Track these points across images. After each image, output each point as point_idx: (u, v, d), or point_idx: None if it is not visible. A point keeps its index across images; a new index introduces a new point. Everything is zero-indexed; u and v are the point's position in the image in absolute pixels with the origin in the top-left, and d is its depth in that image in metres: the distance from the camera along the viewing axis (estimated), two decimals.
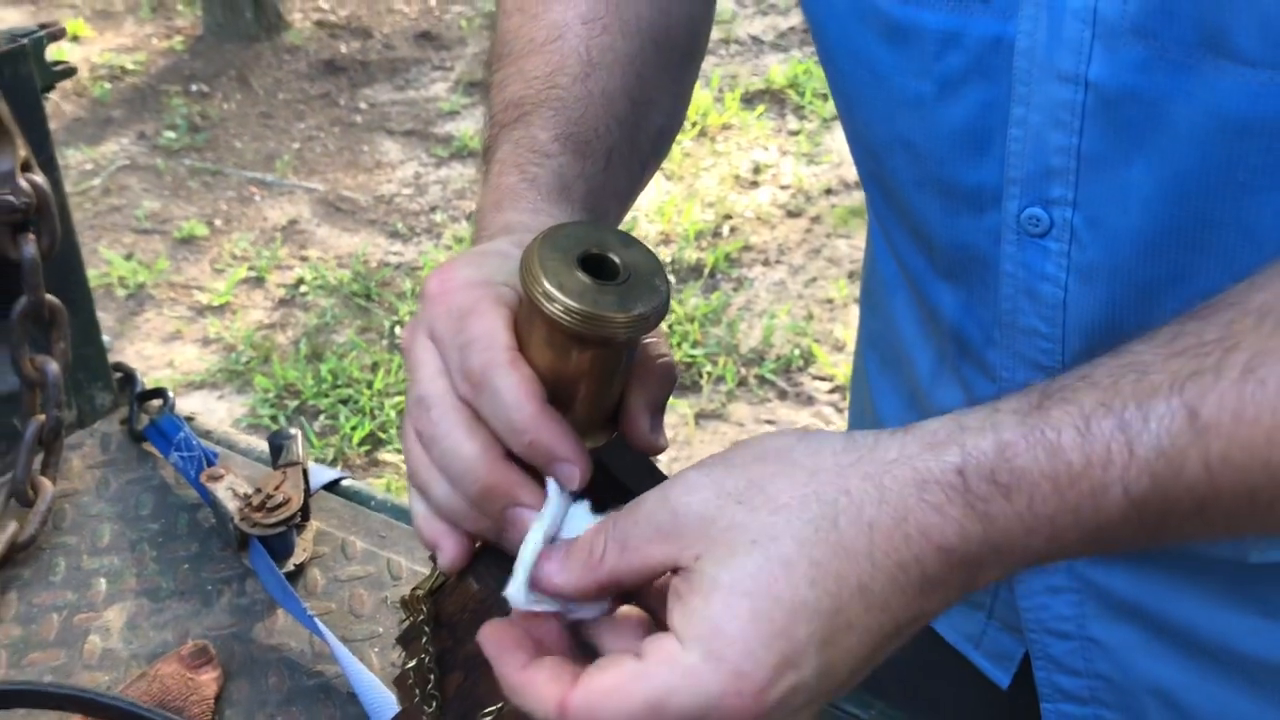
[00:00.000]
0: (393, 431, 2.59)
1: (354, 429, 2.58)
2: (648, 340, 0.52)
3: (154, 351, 2.93)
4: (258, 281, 3.18)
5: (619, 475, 0.57)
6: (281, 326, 3.00)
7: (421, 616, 0.55)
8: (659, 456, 0.54)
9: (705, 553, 0.43)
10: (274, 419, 2.61)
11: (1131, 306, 0.58)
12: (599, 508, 0.53)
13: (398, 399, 2.68)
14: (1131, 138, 0.54)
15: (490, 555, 0.52)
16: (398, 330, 2.95)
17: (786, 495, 0.43)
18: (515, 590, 0.48)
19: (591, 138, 0.65)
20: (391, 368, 2.77)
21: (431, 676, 0.56)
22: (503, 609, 0.51)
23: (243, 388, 2.75)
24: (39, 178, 0.85)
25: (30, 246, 0.85)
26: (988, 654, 0.79)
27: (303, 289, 3.14)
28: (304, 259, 3.29)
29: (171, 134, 3.99)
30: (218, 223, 3.49)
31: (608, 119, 0.66)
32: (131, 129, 4.04)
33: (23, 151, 0.85)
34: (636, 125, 0.69)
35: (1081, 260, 0.58)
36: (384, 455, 2.54)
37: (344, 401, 2.68)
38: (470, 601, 0.53)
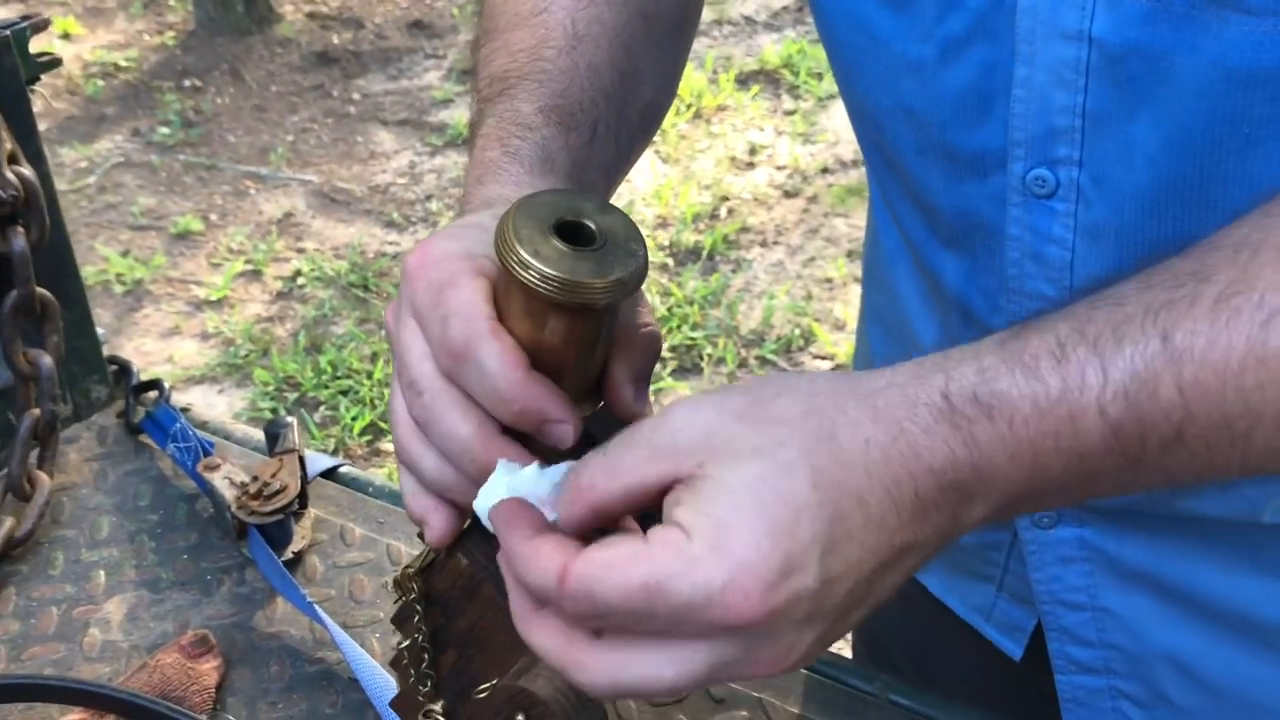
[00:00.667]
0: None
1: (354, 419, 2.58)
2: (630, 309, 0.52)
3: (153, 347, 2.92)
4: (255, 275, 3.18)
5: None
6: (280, 319, 3.00)
7: (413, 595, 0.55)
8: None
9: (708, 460, 0.43)
10: (274, 412, 2.61)
11: (1138, 267, 0.58)
12: None
13: None
14: (1136, 93, 0.53)
15: (479, 531, 0.52)
16: None
17: (787, 412, 0.44)
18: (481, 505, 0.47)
19: (576, 110, 0.64)
20: (391, 358, 2.77)
21: (425, 655, 0.56)
22: (494, 583, 0.51)
23: (242, 381, 2.75)
24: (26, 170, 0.85)
25: (19, 239, 0.85)
26: (999, 626, 0.79)
27: (300, 281, 3.13)
28: (300, 251, 3.29)
29: (165, 130, 3.97)
30: (213, 217, 3.48)
31: (593, 91, 0.66)
32: (125, 126, 4.03)
33: (9, 145, 0.84)
34: (624, 99, 0.68)
35: (1088, 220, 0.58)
36: (385, 445, 2.54)
37: (344, 392, 2.68)
38: (460, 577, 0.53)
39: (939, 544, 0.45)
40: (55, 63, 0.90)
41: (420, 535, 0.53)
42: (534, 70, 0.65)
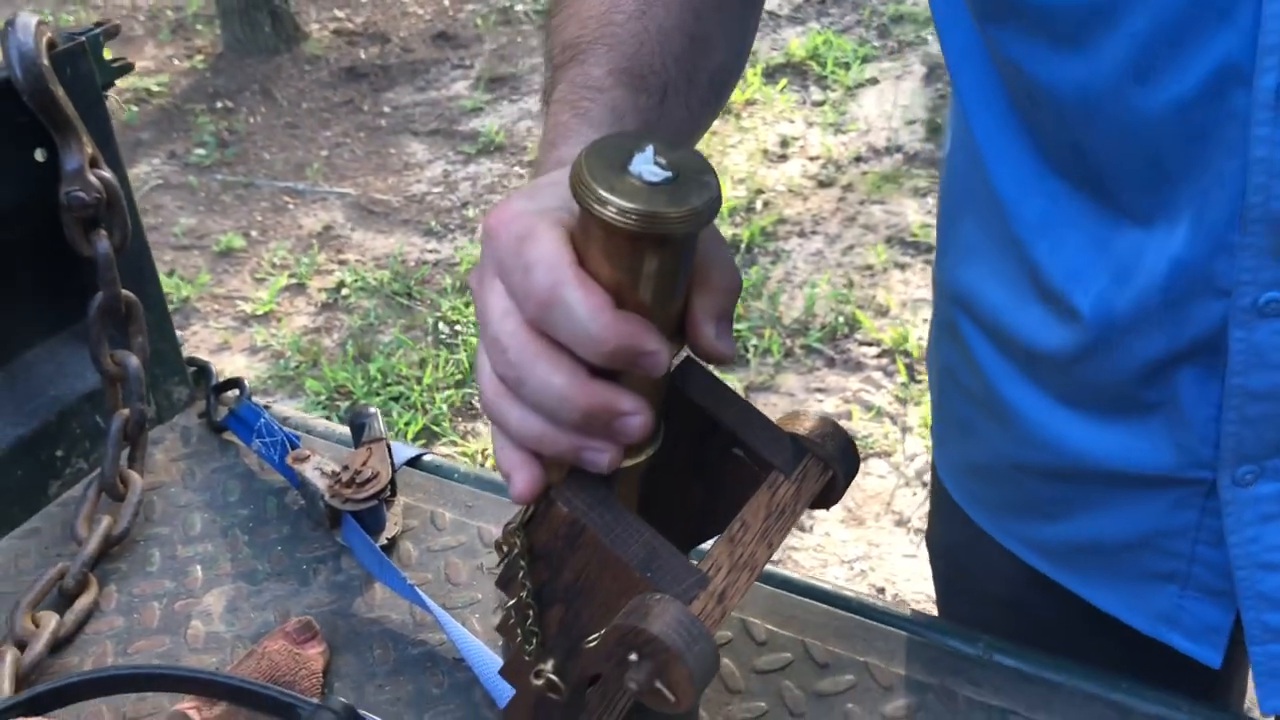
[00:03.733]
0: (445, 425, 2.60)
1: (407, 425, 2.59)
2: (708, 249, 0.52)
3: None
4: (299, 288, 3.20)
5: (691, 395, 0.56)
6: (326, 330, 3.02)
7: (515, 550, 0.55)
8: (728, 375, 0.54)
9: None
10: (327, 419, 2.62)
11: None
12: (671, 427, 0.52)
13: (449, 393, 2.69)
14: None
15: (574, 479, 0.52)
16: (441, 326, 2.96)
17: None
18: None
19: (646, 73, 0.65)
20: (439, 362, 2.78)
21: (530, 613, 0.56)
22: (597, 528, 0.51)
23: (294, 392, 2.77)
24: (107, 173, 0.86)
25: (104, 242, 0.86)
26: (1189, 632, 0.74)
27: (344, 292, 3.15)
28: (342, 263, 3.31)
29: (201, 151, 4.02)
30: (254, 234, 3.51)
31: (663, 55, 0.66)
32: (161, 149, 4.08)
33: (89, 148, 0.85)
34: (694, 63, 0.68)
35: None
36: (439, 449, 2.55)
37: (395, 399, 2.69)
38: (560, 526, 0.53)
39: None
40: (128, 67, 0.91)
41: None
42: (604, 35, 0.65)
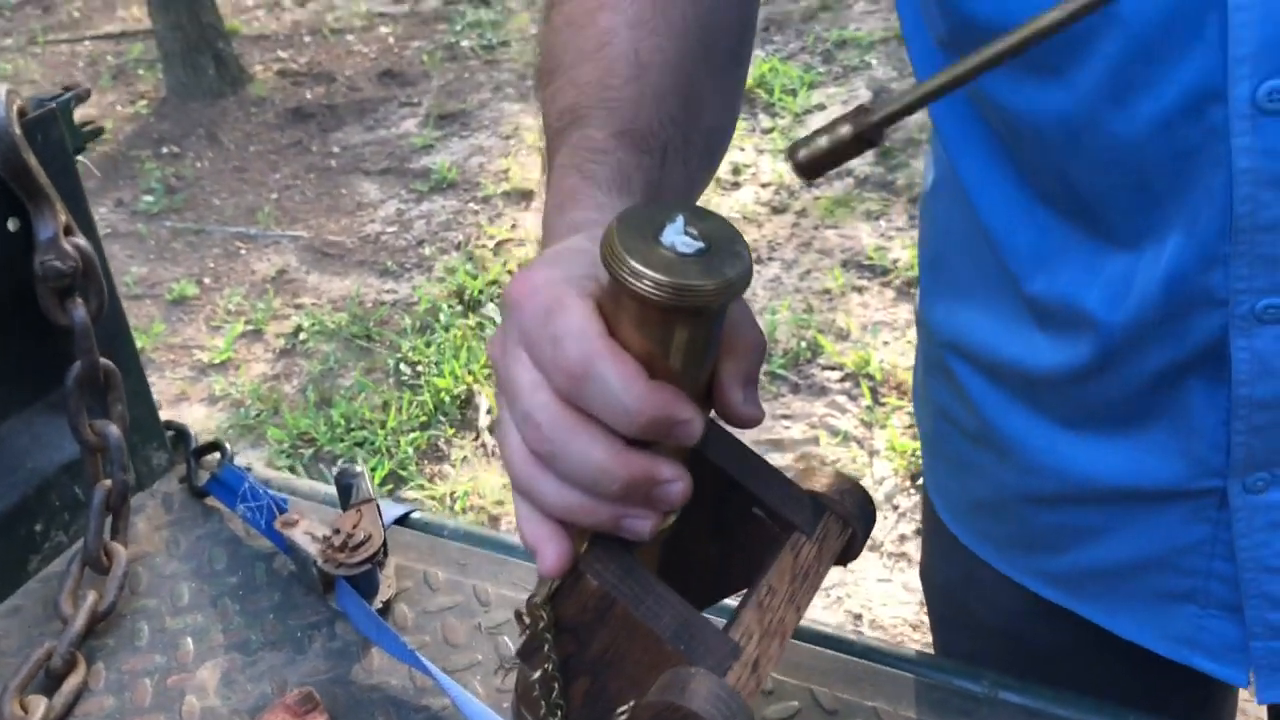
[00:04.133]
0: (412, 468, 2.57)
1: (374, 470, 2.57)
2: (732, 311, 0.52)
3: (163, 415, 2.90)
4: (256, 334, 3.17)
5: (711, 456, 0.56)
6: (286, 376, 2.99)
7: (542, 624, 0.54)
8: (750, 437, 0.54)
9: None
10: (292, 469, 2.59)
11: None
12: (696, 490, 0.52)
13: (413, 435, 2.66)
14: None
15: (600, 549, 0.52)
16: (403, 367, 2.94)
17: None
18: None
19: (647, 135, 0.65)
20: (403, 404, 2.76)
21: (555, 685, 0.55)
22: (628, 601, 0.51)
23: (256, 441, 2.74)
24: (82, 241, 0.84)
25: (80, 310, 0.84)
26: (1211, 652, 0.74)
27: (302, 337, 3.12)
28: (299, 307, 3.28)
29: (149, 198, 3.97)
30: (207, 280, 3.47)
31: (661, 117, 0.66)
32: (109, 197, 4.02)
33: (63, 216, 0.84)
34: (688, 124, 0.69)
35: None
36: (407, 493, 2.52)
37: (359, 444, 2.67)
38: (590, 599, 0.52)
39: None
40: (98, 131, 0.90)
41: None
42: (603, 100, 0.65)
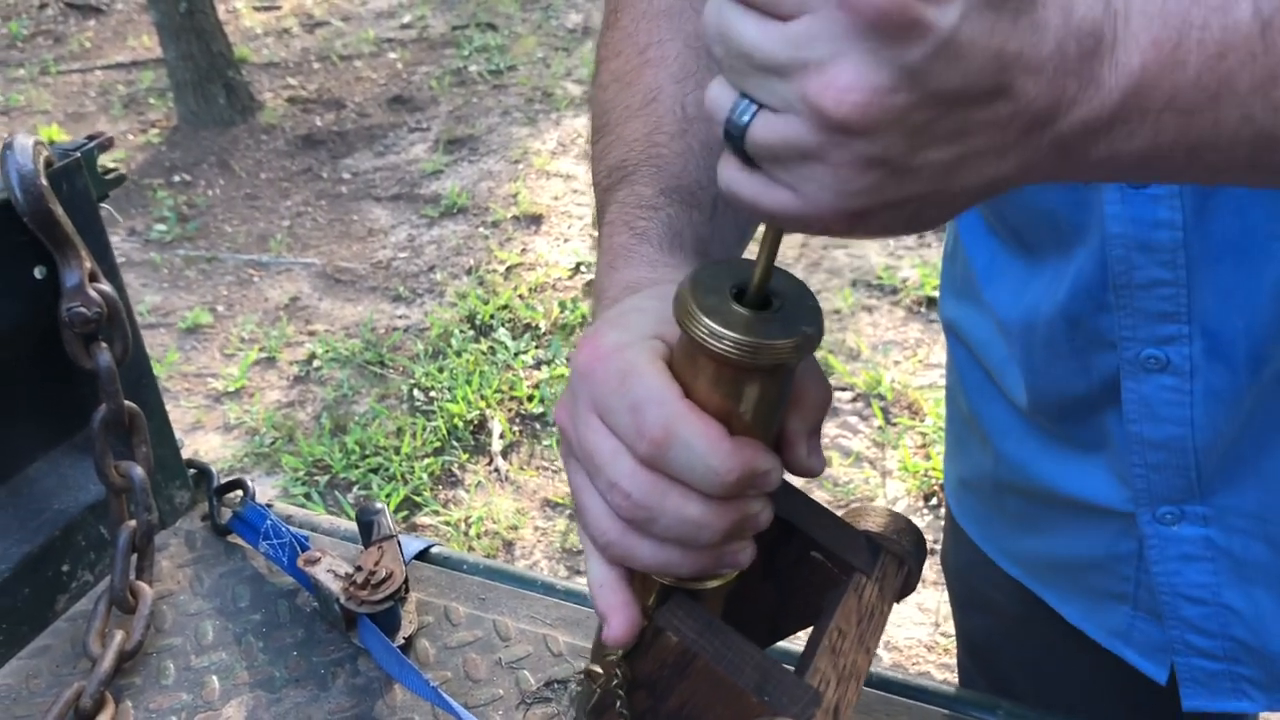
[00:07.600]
0: (427, 494, 2.58)
1: (388, 496, 2.58)
2: (802, 366, 0.52)
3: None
4: (270, 362, 3.19)
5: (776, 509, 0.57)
6: (300, 403, 3.00)
7: (615, 681, 0.54)
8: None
9: None
10: (308, 496, 2.61)
11: None
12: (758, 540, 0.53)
13: (427, 461, 2.67)
14: None
15: (676, 604, 0.52)
16: (416, 393, 2.95)
17: None
18: None
19: (695, 189, 0.65)
20: (417, 430, 2.77)
21: None
22: (708, 655, 0.51)
23: (271, 469, 2.75)
24: (106, 287, 0.86)
25: (105, 355, 0.86)
26: (1140, 649, 0.79)
27: (315, 364, 3.14)
28: (312, 334, 3.30)
29: (162, 227, 4.00)
30: (220, 309, 3.49)
31: (709, 169, 0.66)
32: (121, 227, 4.05)
33: (88, 263, 0.85)
34: None
35: None
36: (421, 519, 2.54)
37: (374, 470, 2.68)
38: (669, 654, 0.53)
39: (1040, 114, 0.40)
40: (120, 179, 0.92)
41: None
42: (650, 156, 0.66)
